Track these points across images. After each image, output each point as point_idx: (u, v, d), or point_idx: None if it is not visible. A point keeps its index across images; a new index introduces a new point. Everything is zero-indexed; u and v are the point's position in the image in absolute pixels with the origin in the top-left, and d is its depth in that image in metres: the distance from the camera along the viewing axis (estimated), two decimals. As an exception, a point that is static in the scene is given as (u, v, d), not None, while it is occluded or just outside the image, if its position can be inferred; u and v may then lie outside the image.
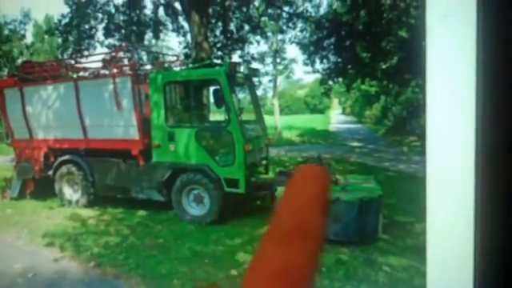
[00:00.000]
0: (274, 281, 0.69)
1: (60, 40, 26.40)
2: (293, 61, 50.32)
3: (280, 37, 39.97)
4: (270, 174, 12.61)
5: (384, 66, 26.37)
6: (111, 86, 11.35)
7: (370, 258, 8.02)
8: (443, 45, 1.02)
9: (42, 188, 13.50)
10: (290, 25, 31.47)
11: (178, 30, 26.47)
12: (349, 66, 25.69)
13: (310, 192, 0.84)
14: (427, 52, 1.02)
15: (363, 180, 10.20)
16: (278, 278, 0.69)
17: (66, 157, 12.70)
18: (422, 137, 22.03)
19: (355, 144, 30.60)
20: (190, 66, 15.29)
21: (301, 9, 29.84)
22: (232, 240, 9.27)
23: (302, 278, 0.70)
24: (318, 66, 28.00)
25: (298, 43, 34.91)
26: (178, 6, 23.92)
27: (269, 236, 0.76)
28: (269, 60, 46.28)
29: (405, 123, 33.25)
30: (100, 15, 24.44)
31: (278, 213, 0.80)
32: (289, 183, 0.88)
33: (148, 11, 25.36)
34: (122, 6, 24.41)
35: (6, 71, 33.74)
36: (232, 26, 26.65)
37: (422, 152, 20.78)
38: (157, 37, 27.68)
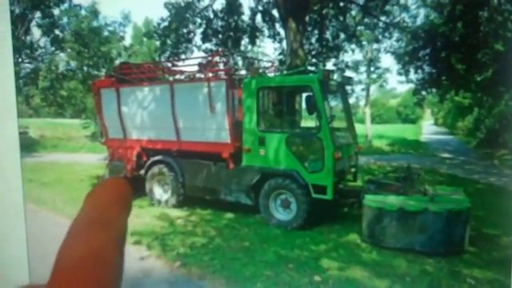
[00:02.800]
0: (79, 265, 0.75)
1: (158, 43, 26.97)
2: (387, 70, 49.40)
3: (375, 46, 39.44)
4: (359, 182, 12.51)
5: (479, 78, 25.67)
6: (206, 90, 11.52)
7: (455, 269, 7.89)
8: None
9: (132, 187, 13.81)
10: (386, 34, 30.99)
11: (274, 36, 26.44)
12: (443, 77, 25.13)
13: (111, 192, 0.94)
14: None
15: (452, 191, 9.99)
16: (83, 262, 0.75)
17: (158, 157, 12.94)
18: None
19: (446, 155, 29.83)
20: (284, 72, 15.38)
21: (397, 19, 29.40)
22: (317, 246, 9.27)
23: (106, 263, 0.76)
24: (412, 76, 27.44)
25: (392, 53, 34.38)
26: (275, 13, 24.02)
27: (74, 227, 0.83)
28: (363, 69, 45.79)
29: (497, 136, 32.18)
30: (198, 20, 24.80)
31: (82, 208, 0.88)
32: (93, 188, 0.98)
33: (245, 17, 25.53)
34: (221, 11, 24.69)
35: (103, 71, 34.74)
36: (328, 34, 26.50)
37: (512, 165, 20.13)
38: (253, 43, 27.70)
